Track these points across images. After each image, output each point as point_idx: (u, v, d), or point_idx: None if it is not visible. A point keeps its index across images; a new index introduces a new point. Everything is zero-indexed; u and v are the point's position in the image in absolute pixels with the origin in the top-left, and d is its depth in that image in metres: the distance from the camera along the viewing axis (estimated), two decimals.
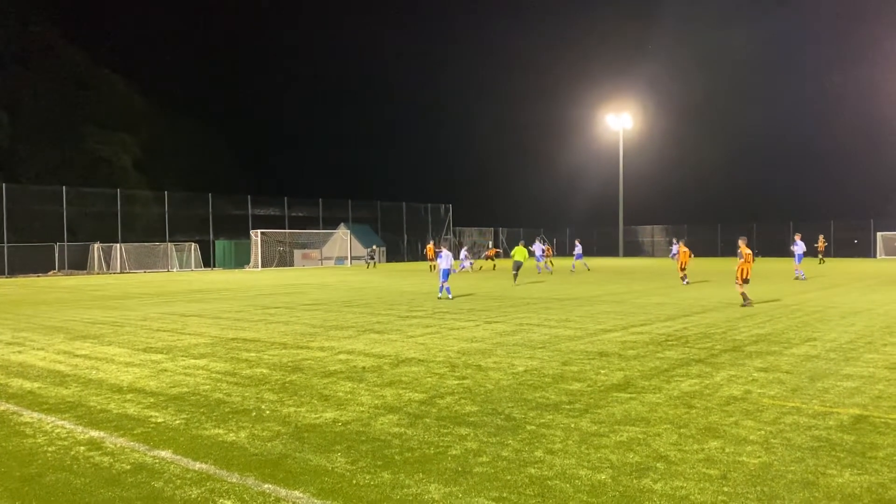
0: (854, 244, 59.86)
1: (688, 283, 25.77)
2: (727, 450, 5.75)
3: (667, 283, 27.61)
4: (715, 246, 62.74)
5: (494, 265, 45.56)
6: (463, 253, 42.45)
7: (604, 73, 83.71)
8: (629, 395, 7.73)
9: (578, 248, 41.67)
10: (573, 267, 39.70)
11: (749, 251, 17.85)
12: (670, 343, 11.56)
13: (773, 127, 74.67)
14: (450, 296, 20.80)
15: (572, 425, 6.54)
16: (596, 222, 73.31)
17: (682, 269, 25.91)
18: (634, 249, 71.14)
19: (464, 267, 40.30)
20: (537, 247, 39.86)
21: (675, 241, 45.94)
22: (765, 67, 79.97)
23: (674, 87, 75.91)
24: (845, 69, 70.99)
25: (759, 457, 5.57)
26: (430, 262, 43.78)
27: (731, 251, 47.24)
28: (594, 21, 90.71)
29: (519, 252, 28.04)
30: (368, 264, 49.10)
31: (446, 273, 21.09)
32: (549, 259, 40.15)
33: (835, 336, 12.05)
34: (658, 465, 5.42)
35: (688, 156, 73.71)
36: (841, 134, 70.07)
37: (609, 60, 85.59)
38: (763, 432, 6.23)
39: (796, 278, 28.18)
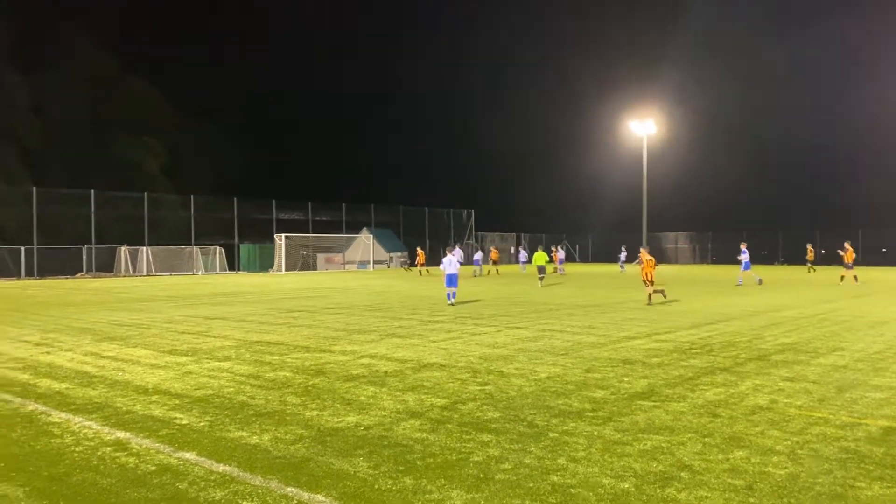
0: (883, 252, 58.85)
1: (664, 298, 21.40)
2: (753, 460, 5.67)
3: (692, 290, 27.36)
4: (738, 253, 62.03)
5: (497, 269, 45.64)
6: (477, 256, 42.97)
7: (628, 79, 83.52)
8: (653, 404, 7.66)
9: (623, 255, 41.64)
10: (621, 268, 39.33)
11: (651, 258, 20.93)
12: (695, 351, 11.44)
13: (799, 134, 73.77)
14: (452, 301, 20.26)
15: (595, 433, 6.49)
16: (619, 228, 72.82)
17: (650, 282, 20.63)
18: (658, 256, 70.17)
19: (477, 267, 41.07)
20: (523, 252, 41.49)
21: (623, 248, 45.83)
22: (791, 76, 79.08)
23: (699, 94, 75.33)
24: (874, 78, 70.00)
25: (786, 468, 5.48)
26: (419, 267, 44.19)
27: (757, 259, 46.70)
28: (619, 27, 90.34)
29: (539, 257, 30.12)
30: (407, 268, 49.55)
31: (452, 278, 20.37)
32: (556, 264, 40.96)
33: (863, 346, 11.85)
34: (682, 474, 5.36)
35: (712, 163, 73.05)
36: (869, 141, 69.09)
37: (634, 66, 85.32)
38: (790, 443, 6.14)
39: (738, 285, 29.65)
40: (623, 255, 44.76)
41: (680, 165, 72.62)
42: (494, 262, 47.11)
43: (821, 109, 71.99)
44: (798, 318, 16.30)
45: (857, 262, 32.64)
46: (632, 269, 41.88)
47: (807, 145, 72.11)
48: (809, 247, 44.76)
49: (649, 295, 20.48)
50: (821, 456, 5.77)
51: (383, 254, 58.62)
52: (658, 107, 68.39)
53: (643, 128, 66.75)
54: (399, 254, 51.54)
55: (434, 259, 53.38)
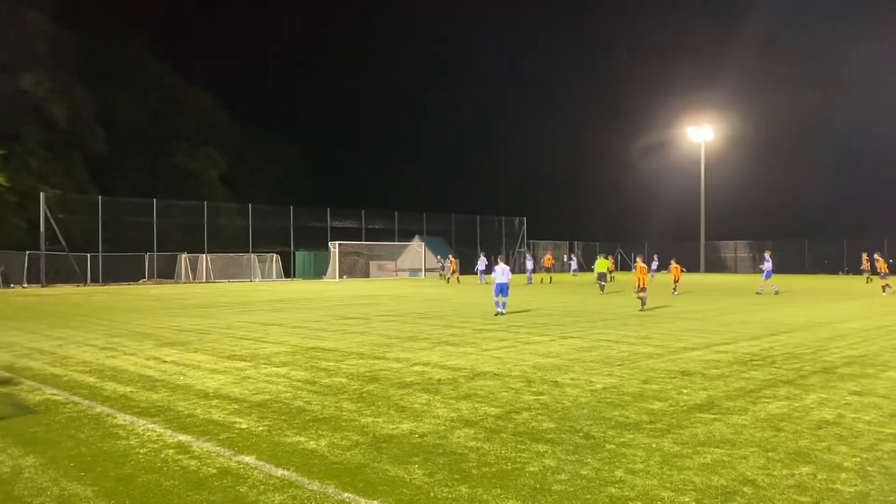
0: None
1: (643, 307, 21.45)
2: (819, 476, 5.49)
3: (751, 300, 26.67)
4: (802, 262, 60.20)
5: (550, 278, 44.91)
6: (529, 264, 42.71)
7: (685, 84, 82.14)
8: (713, 416, 7.49)
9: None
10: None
11: (643, 265, 22.34)
12: (756, 363, 11.14)
13: (863, 141, 71.28)
14: (503, 311, 19.79)
15: (654, 445, 6.38)
16: (676, 237, 71.50)
17: (640, 289, 21.64)
18: (717, 265, 69.00)
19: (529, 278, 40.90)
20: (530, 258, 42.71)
21: (654, 257, 44.93)
22: (854, 82, 76.53)
23: (756, 100, 73.54)
24: None
25: (855, 485, 5.29)
26: (448, 275, 44.14)
27: (819, 268, 45.23)
28: (675, 30, 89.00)
29: (601, 264, 31.08)
30: (442, 276, 49.35)
31: (501, 287, 19.78)
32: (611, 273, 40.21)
33: None
34: (745, 489, 5.22)
35: (772, 169, 71.12)
36: None
37: (691, 71, 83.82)
38: (858, 459, 5.92)
39: (757, 293, 29.50)
40: (654, 264, 44.94)
41: (740, 172, 71.01)
42: (547, 270, 46.66)
43: (888, 111, 69.45)
44: (864, 330, 15.73)
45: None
46: (661, 277, 41.57)
47: (872, 151, 69.69)
48: (865, 256, 42.89)
49: (640, 300, 21.73)
50: (892, 473, 5.55)
51: (435, 262, 58.85)
52: (716, 112, 67.15)
53: (700, 133, 65.63)
54: (439, 258, 51.55)
55: (468, 267, 53.30)
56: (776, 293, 29.55)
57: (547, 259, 46.72)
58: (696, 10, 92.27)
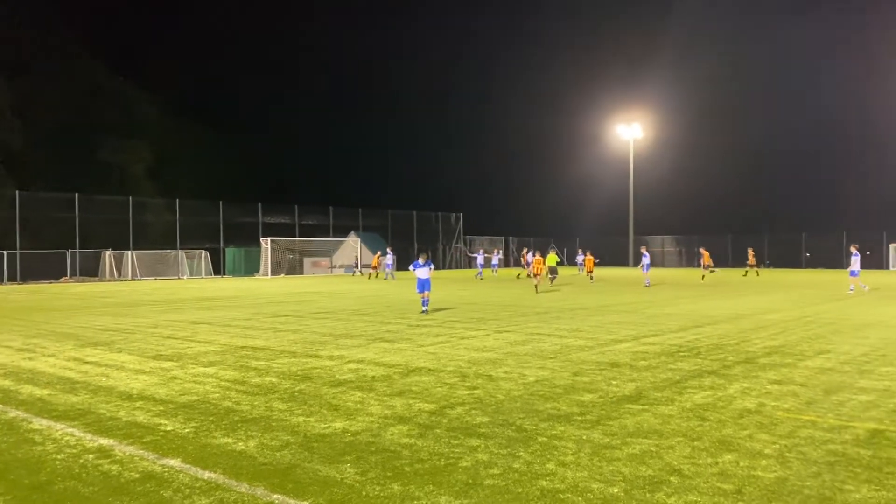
0: (867, 255, 59.37)
1: (536, 292, 27.17)
2: (742, 464, 5.67)
3: (679, 293, 27.46)
4: (726, 256, 62.35)
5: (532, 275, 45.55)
6: (480, 257, 43.01)
7: (614, 82, 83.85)
8: (641, 407, 7.66)
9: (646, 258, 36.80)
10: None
11: (540, 258, 29.53)
12: (682, 354, 11.46)
13: (783, 137, 74.38)
14: (426, 307, 18.98)
15: (584, 437, 6.48)
16: (606, 232, 73.10)
17: (535, 276, 28.86)
18: (652, 260, 70.79)
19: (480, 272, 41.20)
20: (488, 255, 43.15)
21: (481, 251, 46.58)
22: (776, 77, 79.80)
23: (684, 97, 75.70)
24: (857, 77, 70.71)
25: (775, 471, 5.48)
26: (370, 271, 44.72)
27: (743, 262, 47.03)
28: (604, 29, 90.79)
29: (551, 258, 33.26)
30: (363, 272, 49.45)
31: (423, 284, 18.77)
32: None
33: (849, 348, 11.92)
34: (671, 478, 5.35)
35: (699, 165, 73.45)
36: (852, 144, 69.78)
37: (619, 69, 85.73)
38: (778, 446, 6.15)
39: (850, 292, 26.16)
40: (580, 258, 46.43)
41: (668, 169, 73.04)
42: (589, 271, 40.44)
43: (807, 107, 72.61)
44: (784, 321, 16.39)
45: (839, 266, 32.57)
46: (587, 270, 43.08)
47: (796, 147, 72.79)
48: (751, 250, 44.19)
49: (535, 286, 28.47)
50: (809, 459, 5.78)
51: (371, 258, 58.53)
52: (644, 109, 68.85)
53: (630, 131, 67.19)
54: (385, 255, 51.56)
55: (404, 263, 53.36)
56: (865, 290, 26.86)
57: (588, 260, 40.24)
58: (624, 4, 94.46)
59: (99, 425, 7.14)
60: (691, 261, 68.43)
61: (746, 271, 43.95)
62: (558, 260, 34.52)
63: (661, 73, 75.36)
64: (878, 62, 67.32)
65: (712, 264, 40.74)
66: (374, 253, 51.86)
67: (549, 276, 32.85)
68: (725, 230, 65.57)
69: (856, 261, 26.57)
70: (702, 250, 40.41)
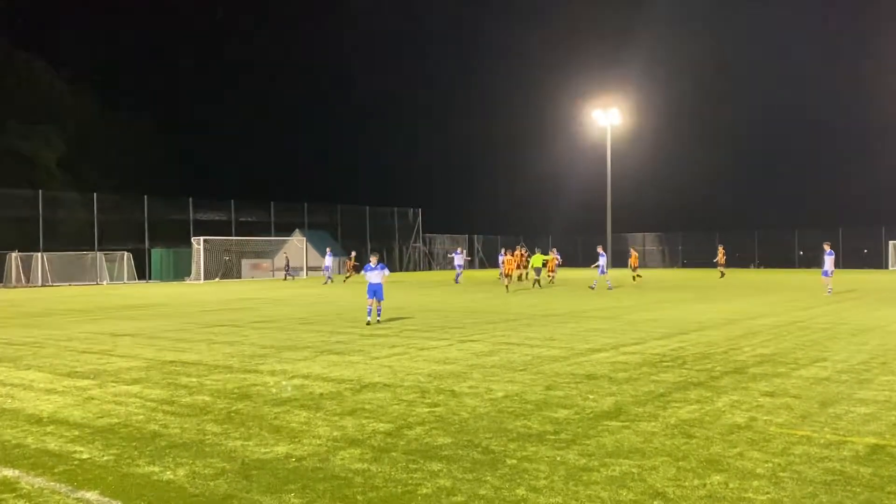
0: (864, 254, 61.00)
1: (506, 292, 30.68)
2: (731, 485, 5.75)
3: (662, 296, 27.84)
4: (713, 255, 63.52)
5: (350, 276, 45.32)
6: (458, 259, 43.11)
7: (590, 65, 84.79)
8: (621, 424, 7.73)
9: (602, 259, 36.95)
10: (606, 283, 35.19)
11: (511, 258, 33.96)
12: (666, 364, 11.61)
13: (775, 129, 76.07)
14: (379, 317, 18.64)
15: (558, 458, 6.51)
16: (581, 229, 73.73)
17: (506, 276, 33.01)
18: (624, 259, 71.61)
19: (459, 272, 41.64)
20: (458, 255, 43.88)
21: (459, 250, 47.31)
22: (768, 66, 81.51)
23: (666, 80, 77.01)
24: (854, 69, 72.65)
25: (768, 493, 5.57)
26: (347, 273, 45.24)
27: (730, 262, 47.83)
28: (579, 9, 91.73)
29: (536, 259, 35.28)
30: (287, 277, 49.53)
31: (375, 289, 18.19)
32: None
33: (846, 356, 12.20)
34: (655, 503, 5.40)
35: (683, 156, 74.70)
36: (850, 137, 71.66)
37: (595, 52, 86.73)
38: (771, 465, 6.26)
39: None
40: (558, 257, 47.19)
41: (649, 159, 74.02)
42: (634, 268, 41.42)
43: (801, 99, 74.32)
44: (776, 326, 16.73)
45: (836, 265, 33.43)
46: (562, 272, 44.53)
47: (789, 139, 74.49)
48: (721, 248, 44.85)
49: (506, 286, 31.90)
50: (805, 479, 5.89)
51: (319, 259, 58.20)
52: (623, 93, 69.64)
53: (607, 117, 67.79)
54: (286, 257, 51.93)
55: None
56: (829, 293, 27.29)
57: (633, 257, 41.54)
58: None
59: (3, 454, 6.96)
60: (675, 260, 69.49)
61: (722, 272, 44.50)
62: (545, 259, 36.45)
63: (640, 54, 76.48)
64: (874, 52, 69.38)
65: (724, 264, 43.72)
66: (323, 254, 51.64)
67: (536, 277, 34.88)
68: (712, 226, 66.71)
69: (829, 260, 27.74)
70: (720, 248, 44.09)
